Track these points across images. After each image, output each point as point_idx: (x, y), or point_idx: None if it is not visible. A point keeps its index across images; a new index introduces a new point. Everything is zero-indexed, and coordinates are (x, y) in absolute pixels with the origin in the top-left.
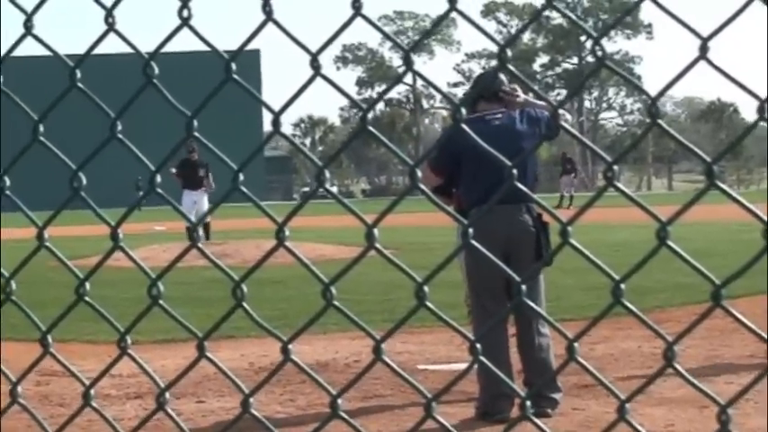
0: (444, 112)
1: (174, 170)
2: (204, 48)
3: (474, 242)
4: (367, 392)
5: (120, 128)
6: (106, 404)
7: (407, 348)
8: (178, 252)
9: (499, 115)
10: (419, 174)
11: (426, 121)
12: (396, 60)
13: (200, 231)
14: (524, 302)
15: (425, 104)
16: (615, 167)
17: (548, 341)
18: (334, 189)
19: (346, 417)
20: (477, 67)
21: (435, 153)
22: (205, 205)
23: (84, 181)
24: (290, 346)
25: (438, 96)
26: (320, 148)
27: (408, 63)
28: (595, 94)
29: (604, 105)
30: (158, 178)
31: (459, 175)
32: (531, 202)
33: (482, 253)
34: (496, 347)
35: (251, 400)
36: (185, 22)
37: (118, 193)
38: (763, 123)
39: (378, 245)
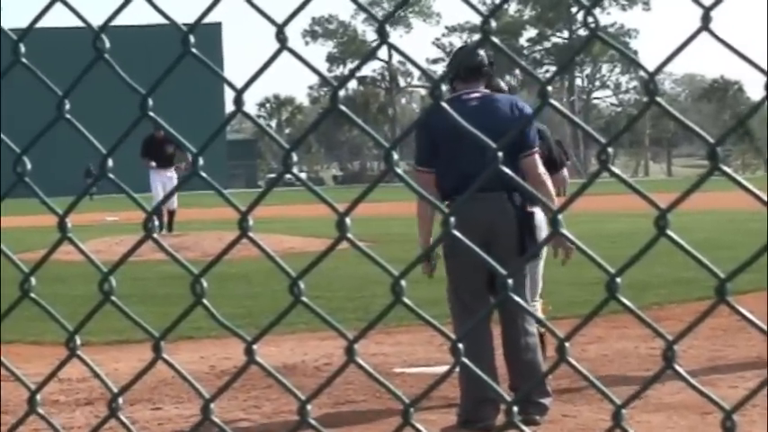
0: (423, 91)
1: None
2: (162, 21)
3: (454, 232)
4: (339, 398)
5: (68, 107)
6: (54, 411)
7: (382, 350)
8: (133, 245)
9: (478, 95)
10: (396, 164)
11: (403, 100)
12: (370, 34)
13: (157, 221)
14: (510, 299)
15: (402, 82)
16: (610, 150)
17: (535, 341)
18: (303, 175)
19: (316, 424)
20: (458, 42)
21: (416, 149)
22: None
23: (29, 166)
24: (254, 347)
25: (416, 74)
26: (287, 131)
27: (383, 35)
28: (587, 70)
29: (597, 83)
30: (110, 162)
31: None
32: (515, 189)
33: (461, 244)
34: (479, 348)
35: (212, 405)
36: None
37: (68, 181)
38: None
39: (350, 235)
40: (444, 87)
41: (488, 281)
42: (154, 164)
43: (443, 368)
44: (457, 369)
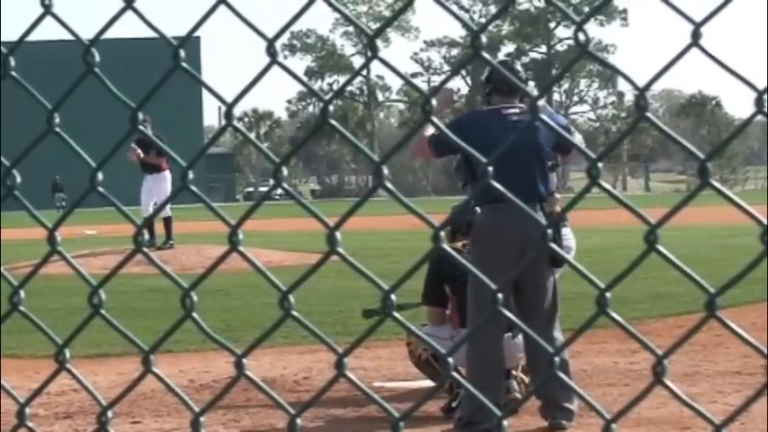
0: (401, 106)
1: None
2: (132, 35)
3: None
4: (317, 412)
5: (57, 120)
6: (33, 425)
7: (361, 364)
8: (111, 258)
9: (517, 110)
10: (386, 179)
11: (381, 115)
12: (348, 48)
13: (147, 235)
14: (532, 308)
15: (380, 97)
16: (599, 164)
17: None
18: (280, 191)
19: None
20: (437, 56)
21: (441, 134)
22: (166, 191)
23: (19, 179)
24: (244, 361)
25: (395, 88)
26: (266, 145)
27: (374, 49)
28: (565, 86)
29: (575, 98)
30: (100, 176)
31: (468, 169)
32: (545, 201)
33: (490, 252)
34: (490, 351)
35: (201, 419)
36: (129, 4)
37: (32, 195)
38: (758, 117)
39: (341, 249)
40: (434, 101)
41: (515, 290)
42: (139, 150)
43: (424, 383)
44: (454, 373)
